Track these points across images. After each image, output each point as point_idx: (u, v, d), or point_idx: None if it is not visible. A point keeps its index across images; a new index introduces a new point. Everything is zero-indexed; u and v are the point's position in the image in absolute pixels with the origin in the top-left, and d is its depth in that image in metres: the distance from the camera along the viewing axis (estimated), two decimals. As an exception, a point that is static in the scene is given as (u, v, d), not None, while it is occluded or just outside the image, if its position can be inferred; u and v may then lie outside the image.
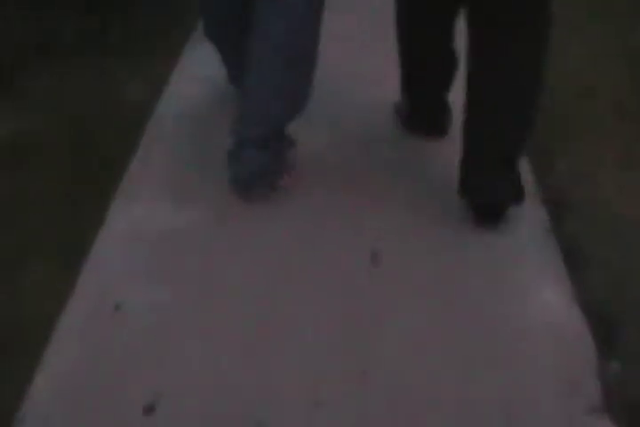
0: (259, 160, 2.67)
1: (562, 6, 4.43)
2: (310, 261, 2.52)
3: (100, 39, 3.88)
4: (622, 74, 3.78)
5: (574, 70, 3.76)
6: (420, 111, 3.05)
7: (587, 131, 3.30)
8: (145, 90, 3.45)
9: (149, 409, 2.00)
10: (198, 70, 3.61)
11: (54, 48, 3.76)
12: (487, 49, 2.40)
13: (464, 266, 2.52)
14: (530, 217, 2.73)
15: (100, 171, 2.93)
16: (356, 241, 2.60)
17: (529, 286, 2.45)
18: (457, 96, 2.73)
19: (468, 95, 2.51)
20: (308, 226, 2.68)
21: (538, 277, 2.49)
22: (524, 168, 2.88)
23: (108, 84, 3.51)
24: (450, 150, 3.00)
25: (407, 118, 3.12)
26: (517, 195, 2.61)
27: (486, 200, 2.61)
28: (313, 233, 2.65)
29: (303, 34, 2.54)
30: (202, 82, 3.52)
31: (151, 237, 2.61)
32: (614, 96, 3.58)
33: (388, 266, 2.51)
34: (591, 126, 3.34)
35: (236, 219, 2.70)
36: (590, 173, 3.00)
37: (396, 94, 3.21)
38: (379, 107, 3.33)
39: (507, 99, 2.43)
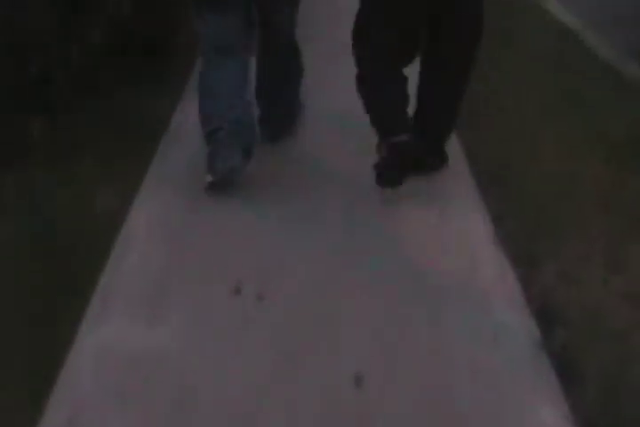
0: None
1: (536, 93, 4.51)
2: (291, 388, 2.38)
3: (68, 140, 3.81)
4: (604, 164, 3.74)
5: (552, 164, 3.73)
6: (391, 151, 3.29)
7: (571, 230, 3.23)
8: (116, 195, 3.36)
9: None
10: (171, 174, 3.54)
11: (20, 150, 3.66)
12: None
13: (451, 387, 2.39)
14: (519, 330, 2.63)
15: (70, 286, 2.81)
16: (337, 363, 2.47)
17: (523, 407, 2.32)
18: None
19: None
20: (286, 347, 2.55)
21: (531, 396, 2.36)
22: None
23: (79, 189, 3.43)
24: (433, 246, 2.94)
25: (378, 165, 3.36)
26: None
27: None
28: (291, 355, 2.51)
29: None
30: (174, 187, 3.44)
31: (122, 360, 2.47)
32: (596, 190, 3.53)
33: (373, 388, 2.37)
34: (576, 224, 3.27)
35: (210, 338, 2.57)
36: (579, 279, 2.91)
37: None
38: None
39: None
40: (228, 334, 2.59)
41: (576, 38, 5.70)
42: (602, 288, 2.88)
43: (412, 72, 3.42)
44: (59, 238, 3.10)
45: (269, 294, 2.78)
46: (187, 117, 4.09)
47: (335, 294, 2.80)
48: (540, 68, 5.02)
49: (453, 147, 3.79)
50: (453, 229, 3.21)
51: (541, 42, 5.58)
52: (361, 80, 3.38)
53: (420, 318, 2.69)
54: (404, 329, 2.63)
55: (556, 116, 4.27)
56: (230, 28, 3.36)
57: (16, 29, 3.70)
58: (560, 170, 3.68)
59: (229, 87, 3.38)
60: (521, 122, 4.20)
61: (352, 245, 3.08)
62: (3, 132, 3.64)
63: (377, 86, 3.35)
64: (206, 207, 3.31)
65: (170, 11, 4.52)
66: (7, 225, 3.20)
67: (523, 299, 2.79)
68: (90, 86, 4.10)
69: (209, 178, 3.33)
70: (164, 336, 2.57)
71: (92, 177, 3.50)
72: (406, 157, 3.29)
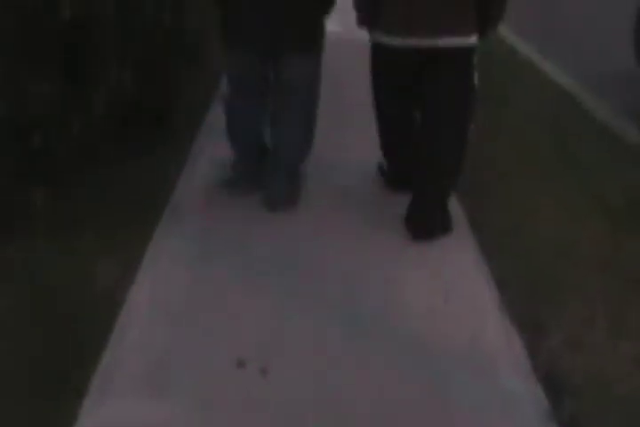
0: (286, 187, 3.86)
1: (534, 156, 4.54)
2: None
3: (70, 211, 3.81)
4: (601, 227, 3.75)
5: (551, 226, 3.74)
6: (396, 166, 4.02)
7: (574, 293, 3.23)
8: (117, 268, 3.35)
9: None
10: (173, 247, 3.54)
11: (22, 220, 3.66)
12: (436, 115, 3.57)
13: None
14: (526, 399, 2.60)
15: (71, 361, 2.78)
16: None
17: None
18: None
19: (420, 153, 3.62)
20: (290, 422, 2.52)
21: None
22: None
23: (80, 261, 3.41)
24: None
25: (387, 175, 4.10)
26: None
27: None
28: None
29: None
30: (176, 260, 3.44)
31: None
32: (596, 252, 3.54)
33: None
34: (577, 288, 3.27)
35: (214, 415, 2.54)
36: (584, 344, 2.89)
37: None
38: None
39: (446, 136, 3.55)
40: (232, 411, 2.56)
41: (573, 100, 5.75)
42: (608, 353, 2.86)
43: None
44: (60, 311, 3.08)
45: (273, 368, 2.75)
46: (188, 190, 4.11)
47: (338, 365, 2.77)
48: (537, 130, 5.06)
49: (456, 212, 3.80)
50: (458, 294, 3.19)
51: (538, 104, 5.63)
52: (375, 106, 3.89)
53: (424, 386, 2.66)
54: (409, 398, 2.60)
55: (554, 178, 4.29)
56: (254, 66, 3.69)
57: (18, 100, 3.73)
58: (560, 234, 3.69)
59: (247, 119, 3.89)
60: (520, 185, 4.22)
61: (354, 312, 3.06)
62: (4, 202, 3.65)
63: (384, 110, 3.86)
64: (207, 279, 3.30)
65: (171, 81, 4.57)
66: (8, 296, 3.18)
67: (529, 366, 2.77)
68: (91, 157, 4.12)
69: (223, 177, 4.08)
70: (166, 413, 2.54)
71: (93, 249, 3.50)
72: (406, 174, 3.80)
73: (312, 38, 3.68)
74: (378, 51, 3.66)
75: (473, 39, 3.43)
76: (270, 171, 3.89)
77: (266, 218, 3.80)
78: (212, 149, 4.53)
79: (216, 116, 4.67)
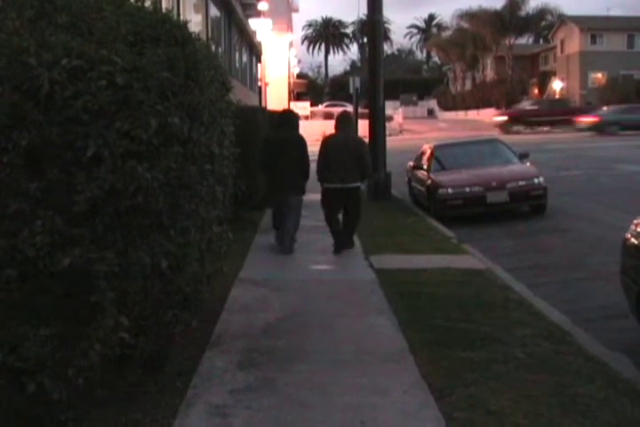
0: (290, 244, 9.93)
1: (528, 400, 4.42)
2: None
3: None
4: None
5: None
6: (336, 236, 9.87)
7: None
8: None
9: None
10: None
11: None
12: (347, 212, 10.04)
13: None
14: None
15: None
16: None
17: None
18: None
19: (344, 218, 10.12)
20: None
21: None
22: None
23: None
24: None
25: (334, 245, 9.85)
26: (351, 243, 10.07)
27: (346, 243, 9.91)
28: None
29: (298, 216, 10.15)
30: None
31: None
32: None
33: None
34: None
35: None
36: None
37: None
38: None
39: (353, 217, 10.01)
40: None
41: (564, 337, 5.70)
42: None
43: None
44: None
45: None
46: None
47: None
48: (527, 369, 5.00)
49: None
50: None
51: (530, 341, 5.58)
52: (325, 215, 9.91)
53: None
54: None
55: (549, 421, 4.21)
56: (281, 201, 9.79)
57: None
58: None
59: (281, 221, 9.85)
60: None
61: None
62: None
63: (329, 220, 9.82)
64: None
65: (167, 329, 4.61)
66: None
67: None
68: (85, 398, 4.11)
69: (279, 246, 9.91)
70: None
71: None
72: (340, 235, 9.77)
73: (301, 190, 9.73)
74: (325, 191, 9.64)
75: (359, 183, 9.64)
76: (285, 237, 9.67)
77: None
78: (206, 397, 4.54)
79: (210, 364, 4.72)
